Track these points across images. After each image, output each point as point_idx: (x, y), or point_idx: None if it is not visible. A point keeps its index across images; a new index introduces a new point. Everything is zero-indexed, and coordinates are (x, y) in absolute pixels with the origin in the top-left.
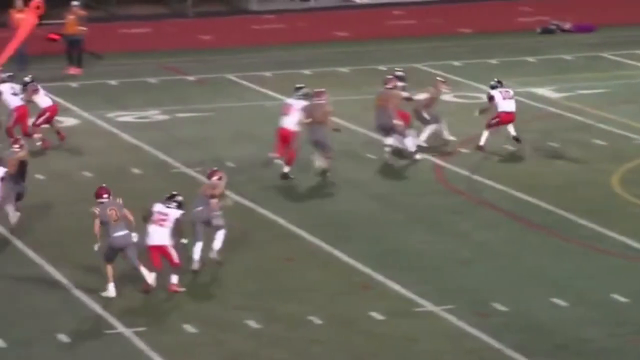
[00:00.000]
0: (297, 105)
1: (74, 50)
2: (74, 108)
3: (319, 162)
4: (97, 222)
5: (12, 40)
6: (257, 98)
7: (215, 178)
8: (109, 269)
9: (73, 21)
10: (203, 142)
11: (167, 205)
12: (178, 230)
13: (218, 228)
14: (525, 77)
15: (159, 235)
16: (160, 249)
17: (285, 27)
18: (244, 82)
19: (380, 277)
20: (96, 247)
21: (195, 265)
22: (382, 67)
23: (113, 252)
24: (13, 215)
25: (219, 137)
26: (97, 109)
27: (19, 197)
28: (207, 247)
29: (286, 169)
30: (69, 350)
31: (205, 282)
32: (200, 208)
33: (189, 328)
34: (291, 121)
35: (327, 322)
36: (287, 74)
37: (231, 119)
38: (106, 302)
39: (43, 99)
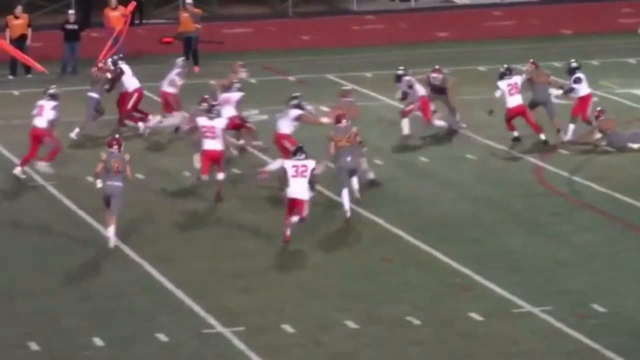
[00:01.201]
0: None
1: (190, 49)
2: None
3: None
4: (100, 165)
5: (108, 39)
6: (357, 98)
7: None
8: (106, 214)
9: (188, 19)
10: (303, 143)
11: (299, 157)
12: (313, 180)
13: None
14: (626, 79)
15: (300, 188)
16: (299, 202)
17: (385, 27)
18: (344, 83)
19: (479, 278)
20: (98, 184)
21: (348, 213)
22: (482, 68)
23: (106, 198)
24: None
25: (319, 137)
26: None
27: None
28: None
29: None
30: (167, 349)
31: (304, 282)
32: (349, 158)
33: (287, 328)
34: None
35: (426, 322)
36: (387, 74)
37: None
38: (207, 302)
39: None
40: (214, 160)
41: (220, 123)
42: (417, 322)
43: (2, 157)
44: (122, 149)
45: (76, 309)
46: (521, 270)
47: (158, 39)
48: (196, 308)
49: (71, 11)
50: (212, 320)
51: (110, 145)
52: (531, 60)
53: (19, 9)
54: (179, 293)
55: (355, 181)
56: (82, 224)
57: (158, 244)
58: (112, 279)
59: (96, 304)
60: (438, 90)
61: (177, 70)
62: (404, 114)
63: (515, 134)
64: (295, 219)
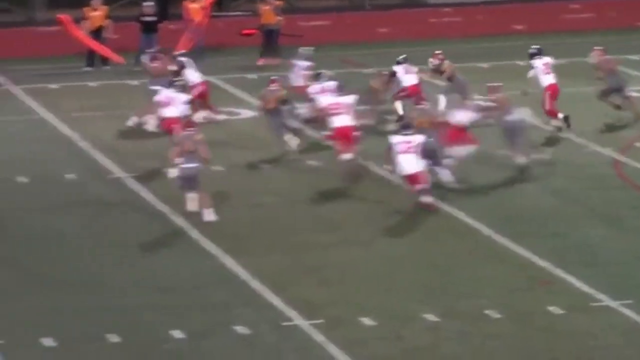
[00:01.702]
0: None
1: (271, 41)
2: (252, 100)
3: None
4: (176, 149)
5: (186, 32)
6: (433, 91)
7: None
8: (188, 197)
9: (269, 11)
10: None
11: (404, 133)
12: (426, 153)
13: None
14: None
15: (411, 162)
16: (414, 177)
17: (462, 19)
18: (422, 75)
19: (558, 272)
20: (171, 173)
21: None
22: (562, 61)
23: (183, 181)
24: None
25: None
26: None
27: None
28: None
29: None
30: (246, 341)
31: (383, 275)
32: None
33: (367, 321)
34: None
35: (505, 316)
36: (465, 67)
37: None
38: (285, 294)
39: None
40: (346, 136)
41: (349, 99)
42: (496, 315)
43: (77, 148)
44: (196, 131)
45: (155, 301)
46: (600, 264)
47: (237, 31)
48: (275, 300)
49: (149, 3)
50: (291, 313)
51: (185, 128)
52: (597, 48)
53: (97, 1)
54: (258, 285)
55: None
56: (160, 216)
57: (236, 237)
58: (190, 272)
59: (175, 297)
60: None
61: (303, 62)
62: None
63: (560, 115)
64: (422, 186)
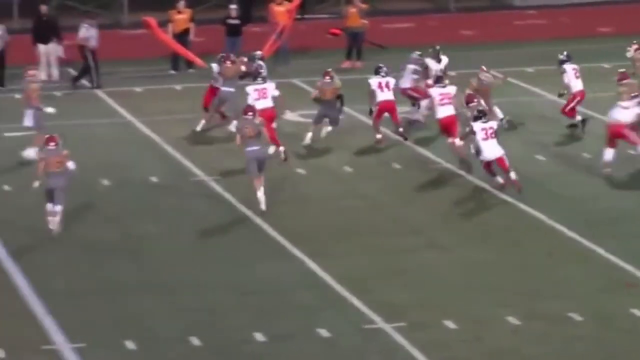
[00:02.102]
0: None
1: (355, 44)
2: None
3: None
4: (238, 137)
5: (271, 34)
6: (519, 93)
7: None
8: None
9: (355, 14)
10: None
11: (483, 121)
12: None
13: None
14: None
15: (493, 148)
16: (499, 160)
17: (547, 22)
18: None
19: None
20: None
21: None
22: None
23: (250, 163)
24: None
25: None
26: (362, 103)
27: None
28: None
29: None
30: (328, 344)
31: (465, 278)
32: None
33: (449, 324)
34: None
35: (588, 318)
36: (549, 70)
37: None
38: (368, 297)
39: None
40: (449, 126)
41: (453, 89)
42: (578, 318)
43: (161, 151)
44: (256, 116)
45: (237, 304)
46: None
47: (323, 33)
48: (357, 303)
49: (233, 6)
50: (373, 316)
51: (244, 113)
52: (635, 42)
53: (181, 4)
54: (340, 288)
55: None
56: (243, 219)
57: (320, 240)
58: (273, 275)
59: (257, 300)
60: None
61: (412, 65)
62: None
63: (579, 117)
64: (512, 175)
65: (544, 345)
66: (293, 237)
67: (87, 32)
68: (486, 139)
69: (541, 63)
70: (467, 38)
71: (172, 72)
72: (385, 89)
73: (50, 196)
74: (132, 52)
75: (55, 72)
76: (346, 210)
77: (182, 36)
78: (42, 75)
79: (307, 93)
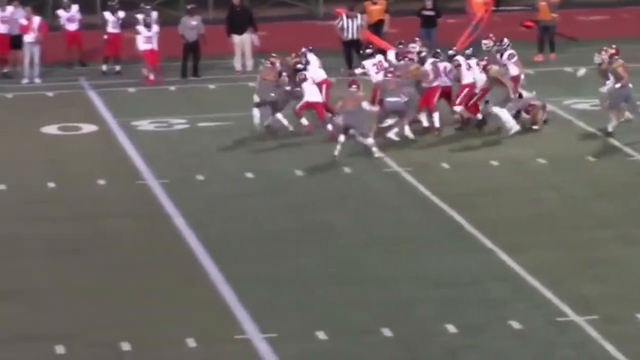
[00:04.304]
0: None
1: (546, 37)
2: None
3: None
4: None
5: (467, 26)
6: None
7: None
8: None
9: (545, 8)
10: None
11: None
12: None
13: None
14: None
15: None
16: None
17: None
18: None
19: None
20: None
21: None
22: None
23: (384, 114)
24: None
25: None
26: (556, 95)
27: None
28: None
29: None
30: (519, 336)
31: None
32: None
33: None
34: None
35: None
36: None
37: None
38: (560, 290)
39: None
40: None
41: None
42: None
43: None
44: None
45: (429, 295)
46: None
47: (518, 23)
48: (549, 295)
49: None
50: (565, 309)
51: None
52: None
53: None
54: (532, 281)
55: None
56: (436, 211)
57: (510, 231)
58: (465, 267)
59: (449, 291)
60: None
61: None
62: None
63: None
64: None
65: None
66: (484, 228)
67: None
68: None
69: None
70: None
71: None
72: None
73: (344, 130)
74: (325, 43)
75: (249, 63)
76: (541, 203)
77: (375, 27)
78: (237, 65)
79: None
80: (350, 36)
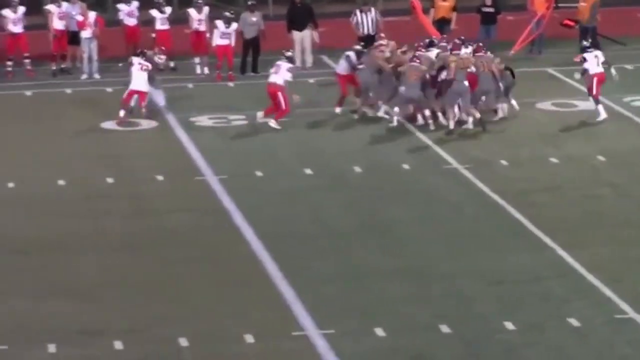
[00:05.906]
0: None
1: (585, 38)
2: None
3: None
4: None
5: (528, 23)
6: None
7: None
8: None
9: (585, 8)
10: None
11: None
12: None
13: None
14: None
15: None
16: None
17: None
18: None
19: None
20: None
21: None
22: None
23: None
24: None
25: None
26: (614, 92)
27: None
28: None
29: None
30: (578, 334)
31: None
32: None
33: None
34: None
35: None
36: None
37: None
38: (619, 287)
39: None
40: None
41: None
42: None
43: (416, 139)
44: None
45: (488, 292)
46: None
47: (559, 21)
48: (608, 293)
49: None
50: (624, 306)
51: (411, 60)
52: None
53: None
54: (592, 278)
55: None
56: (495, 208)
57: (569, 228)
58: (525, 264)
59: (508, 288)
60: None
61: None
62: None
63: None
64: None
65: None
66: (544, 225)
67: None
68: None
69: None
70: None
71: None
72: None
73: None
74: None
75: (309, 59)
76: (598, 199)
77: (441, 23)
78: (296, 62)
79: (560, 82)
80: (365, 31)
